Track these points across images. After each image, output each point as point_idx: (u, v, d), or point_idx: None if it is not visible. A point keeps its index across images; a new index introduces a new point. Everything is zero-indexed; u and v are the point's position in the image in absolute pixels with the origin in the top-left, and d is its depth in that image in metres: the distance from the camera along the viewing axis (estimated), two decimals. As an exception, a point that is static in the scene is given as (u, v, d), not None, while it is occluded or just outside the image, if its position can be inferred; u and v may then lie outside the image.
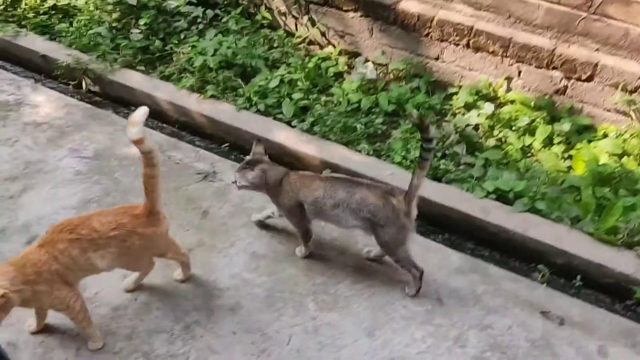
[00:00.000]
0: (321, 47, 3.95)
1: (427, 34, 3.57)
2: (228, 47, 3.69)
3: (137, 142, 2.11)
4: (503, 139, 3.37)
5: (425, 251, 2.80)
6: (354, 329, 2.48)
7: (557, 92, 3.43)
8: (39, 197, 2.94)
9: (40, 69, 3.88)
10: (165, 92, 3.55)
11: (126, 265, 2.39)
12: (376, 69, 3.73)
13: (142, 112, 2.08)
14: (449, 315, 2.55)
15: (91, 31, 3.87)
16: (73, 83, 3.75)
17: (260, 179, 2.59)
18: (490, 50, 3.45)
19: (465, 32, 3.44)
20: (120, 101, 3.69)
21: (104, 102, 3.72)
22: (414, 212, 2.50)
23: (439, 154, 3.25)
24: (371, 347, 2.42)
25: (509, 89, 3.54)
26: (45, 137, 3.29)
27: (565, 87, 3.39)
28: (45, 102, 3.50)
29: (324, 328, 2.48)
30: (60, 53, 3.78)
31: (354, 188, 2.51)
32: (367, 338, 2.45)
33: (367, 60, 3.80)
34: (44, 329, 2.40)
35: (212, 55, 3.66)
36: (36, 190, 2.97)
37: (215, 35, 3.84)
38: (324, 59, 3.84)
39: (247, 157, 2.68)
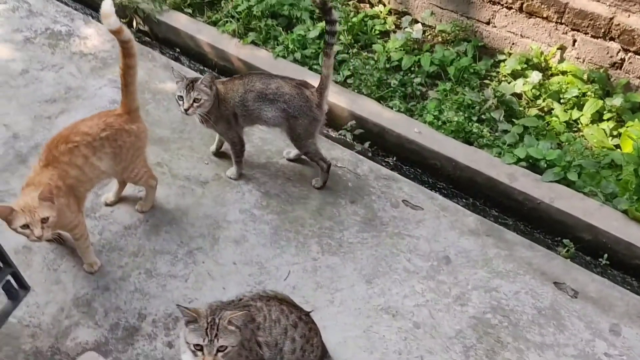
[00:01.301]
0: (371, 5, 3.86)
1: (479, -5, 3.41)
2: (275, -4, 3.67)
3: (117, 32, 2.18)
4: (547, 109, 3.18)
5: (440, 209, 2.70)
6: (353, 274, 2.44)
7: (613, 65, 3.19)
8: (73, 121, 3.03)
9: (97, 6, 3.97)
10: (207, 35, 3.59)
11: (124, 169, 2.42)
12: (424, 32, 3.61)
13: (108, 2, 2.14)
14: (454, 274, 2.45)
15: (146, -28, 3.95)
16: (124, 21, 3.85)
17: (212, 82, 2.56)
18: (544, 15, 3.25)
19: (519, -6, 3.26)
20: (167, 42, 3.77)
21: (152, 42, 3.81)
22: (326, 105, 2.64)
23: (475, 118, 3.11)
24: (367, 293, 2.37)
25: (561, 59, 3.33)
26: (89, 67, 3.42)
27: (622, 61, 3.14)
28: (94, 35, 3.63)
29: (323, 270, 2.45)
30: (115, -9, 3.89)
31: (269, 79, 2.65)
32: (364, 284, 2.40)
33: (415, 21, 3.69)
34: (57, 239, 2.51)
35: (258, 2, 3.66)
36: (72, 114, 3.09)
37: (265, -16, 3.83)
38: (372, 17, 3.75)
39: (182, 86, 2.54)
